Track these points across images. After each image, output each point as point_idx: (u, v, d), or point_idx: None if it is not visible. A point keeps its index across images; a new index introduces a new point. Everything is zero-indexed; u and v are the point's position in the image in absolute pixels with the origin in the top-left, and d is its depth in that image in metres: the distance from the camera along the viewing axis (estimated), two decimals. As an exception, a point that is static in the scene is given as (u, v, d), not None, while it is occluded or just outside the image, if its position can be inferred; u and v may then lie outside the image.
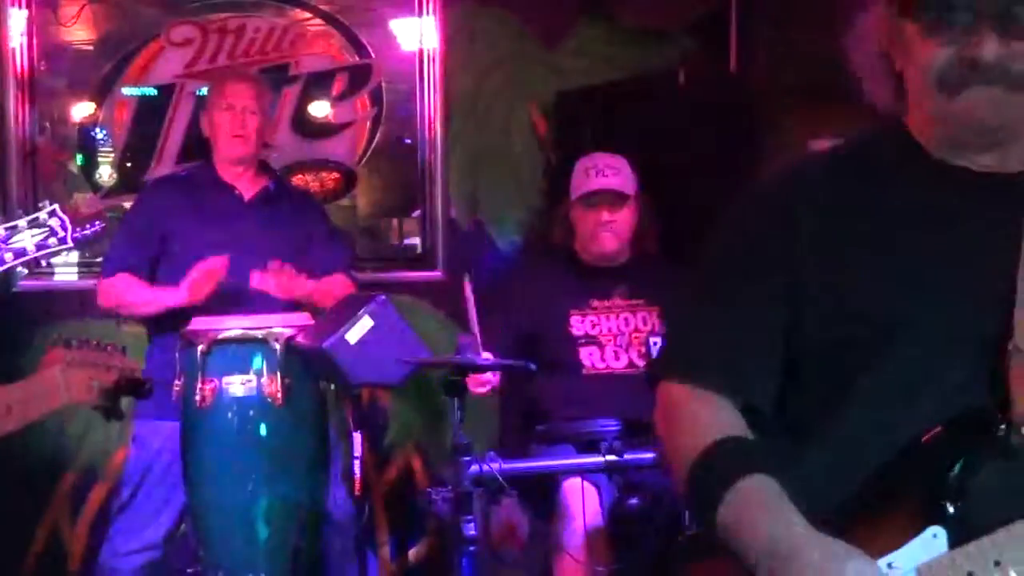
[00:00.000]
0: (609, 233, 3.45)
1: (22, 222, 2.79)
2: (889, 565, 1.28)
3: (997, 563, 1.22)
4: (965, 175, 1.42)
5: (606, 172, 3.44)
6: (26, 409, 2.51)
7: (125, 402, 2.74)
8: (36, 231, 2.79)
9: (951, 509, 1.28)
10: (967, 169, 1.43)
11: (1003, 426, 1.30)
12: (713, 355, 1.48)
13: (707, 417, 1.45)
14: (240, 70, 3.96)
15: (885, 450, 1.35)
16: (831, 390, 1.42)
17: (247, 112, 3.46)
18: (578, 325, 3.46)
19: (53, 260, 4.26)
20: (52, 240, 2.80)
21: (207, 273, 3.24)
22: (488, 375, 3.14)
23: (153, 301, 3.38)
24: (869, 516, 1.33)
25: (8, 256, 2.77)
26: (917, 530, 1.29)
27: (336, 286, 3.46)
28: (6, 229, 2.76)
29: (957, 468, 1.29)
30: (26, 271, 2.93)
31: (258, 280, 3.27)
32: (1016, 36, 1.33)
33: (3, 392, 2.50)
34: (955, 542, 1.27)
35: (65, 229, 2.82)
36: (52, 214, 2.82)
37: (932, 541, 1.28)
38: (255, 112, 3.48)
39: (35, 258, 2.82)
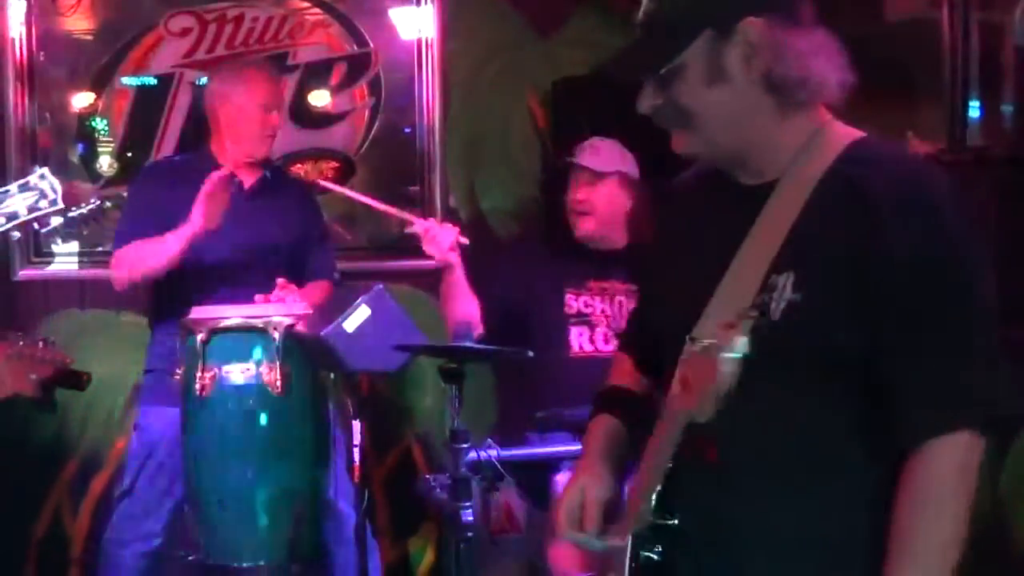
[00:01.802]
0: (583, 215, 3.46)
1: (13, 187, 2.82)
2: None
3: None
4: (737, 190, 1.61)
5: (587, 150, 3.47)
6: None
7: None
8: (27, 194, 2.82)
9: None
10: (739, 184, 1.62)
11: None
12: (631, 328, 1.96)
13: (616, 370, 1.88)
14: (258, 63, 3.94)
15: None
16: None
17: (272, 110, 3.49)
18: (572, 303, 3.47)
19: (55, 249, 4.29)
20: (43, 203, 2.83)
21: (212, 192, 3.24)
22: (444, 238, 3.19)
23: (169, 244, 3.33)
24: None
25: (0, 220, 2.80)
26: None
27: (322, 293, 3.55)
28: None
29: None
30: (18, 234, 2.95)
31: (261, 300, 3.30)
32: (663, 87, 1.57)
33: None
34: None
35: (56, 192, 2.85)
36: (43, 177, 2.84)
37: None
38: (279, 109, 3.52)
39: (27, 221, 2.84)
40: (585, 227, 3.47)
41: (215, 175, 3.27)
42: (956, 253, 1.46)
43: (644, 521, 1.58)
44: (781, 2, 1.54)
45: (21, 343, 2.63)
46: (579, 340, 3.44)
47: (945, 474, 1.43)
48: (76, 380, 2.72)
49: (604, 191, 3.47)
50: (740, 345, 1.41)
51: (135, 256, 3.40)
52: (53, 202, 2.85)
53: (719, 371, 1.43)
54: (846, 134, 1.57)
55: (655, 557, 1.57)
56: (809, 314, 1.46)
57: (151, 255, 3.37)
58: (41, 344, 2.65)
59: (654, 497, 1.57)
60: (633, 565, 1.58)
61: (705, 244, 1.61)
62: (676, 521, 1.56)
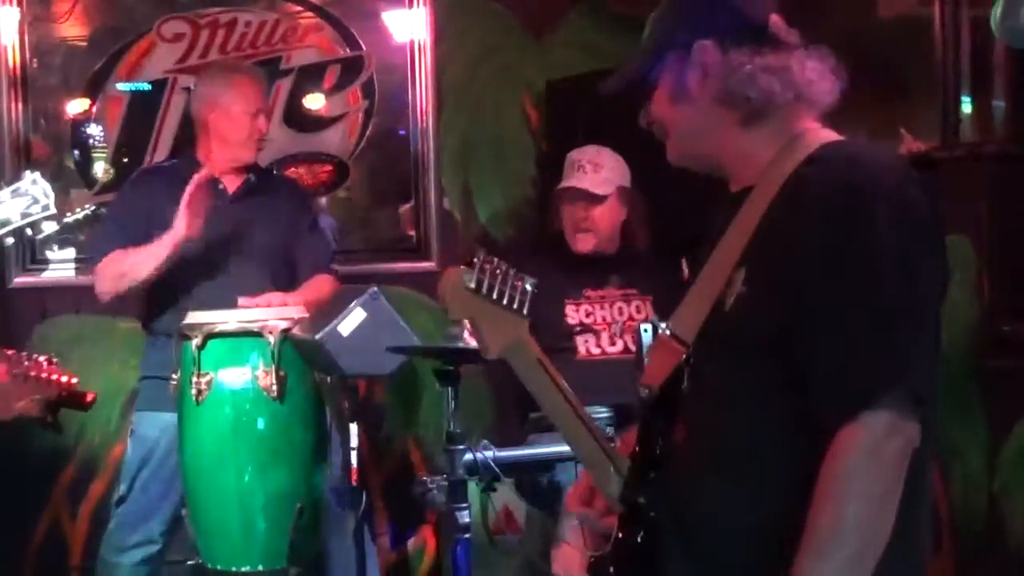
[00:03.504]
0: (584, 232, 3.47)
1: (4, 193, 2.81)
2: None
3: None
4: (727, 196, 1.69)
5: (586, 168, 3.47)
6: None
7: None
8: (19, 200, 2.81)
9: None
10: (730, 193, 1.70)
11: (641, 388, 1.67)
12: None
13: None
14: (246, 67, 3.93)
15: None
16: None
17: (259, 115, 3.48)
18: (573, 314, 3.48)
19: (49, 255, 4.29)
20: (35, 208, 2.82)
21: (195, 194, 3.22)
22: None
23: (152, 253, 3.30)
24: None
25: None
26: None
27: (322, 288, 3.49)
28: None
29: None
30: (12, 240, 2.94)
31: (245, 302, 3.28)
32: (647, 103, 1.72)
33: None
34: None
35: (48, 197, 2.83)
36: (34, 182, 2.83)
37: None
38: (266, 114, 3.52)
39: (20, 227, 2.83)
40: (585, 245, 3.49)
41: (197, 177, 3.24)
42: (866, 243, 1.48)
43: (615, 502, 1.65)
44: (734, 24, 1.64)
45: (26, 363, 2.60)
46: (586, 346, 3.46)
47: (847, 457, 1.45)
48: (81, 400, 2.70)
49: (603, 209, 3.47)
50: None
51: (118, 268, 3.37)
52: (46, 207, 2.84)
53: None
54: (821, 139, 1.62)
55: (638, 540, 1.62)
56: (751, 306, 1.55)
57: (135, 265, 3.34)
58: (46, 364, 2.64)
59: (622, 478, 1.64)
60: (617, 546, 1.64)
61: (708, 249, 1.68)
62: (644, 501, 1.61)
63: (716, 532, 1.57)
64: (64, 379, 2.64)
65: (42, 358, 2.63)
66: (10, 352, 2.64)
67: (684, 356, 1.60)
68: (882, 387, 1.46)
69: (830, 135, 1.64)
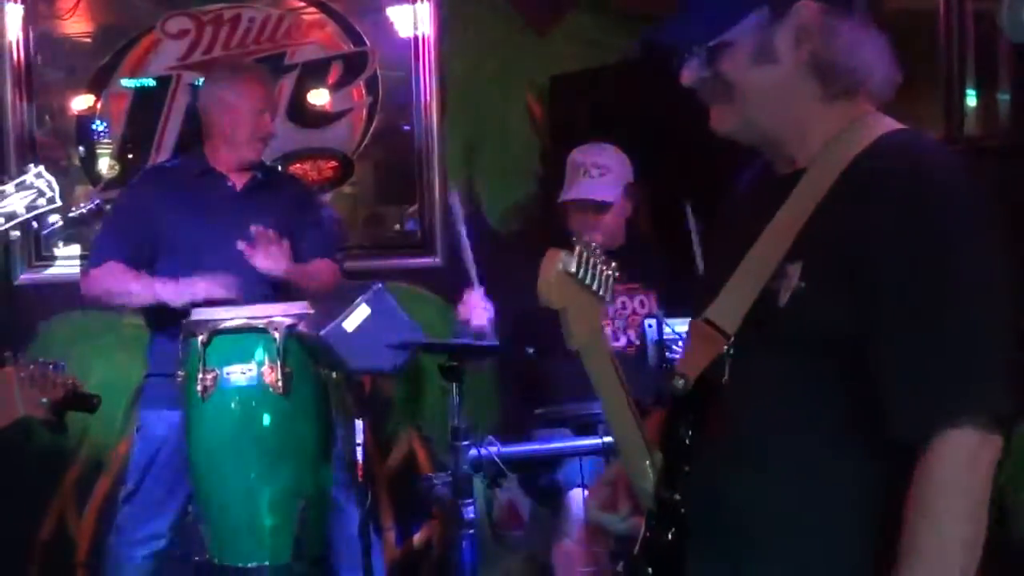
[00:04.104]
0: (594, 231, 3.46)
1: (9, 186, 2.82)
2: None
3: None
4: (771, 179, 1.63)
5: (591, 173, 3.42)
6: None
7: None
8: (24, 193, 2.82)
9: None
10: (773, 174, 1.63)
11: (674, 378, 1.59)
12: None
13: None
14: (250, 65, 3.94)
15: None
16: None
17: (265, 113, 3.49)
18: (576, 308, 3.48)
19: (55, 252, 4.30)
20: (41, 201, 2.83)
21: (211, 285, 3.26)
22: (481, 308, 3.18)
23: (139, 292, 3.35)
24: None
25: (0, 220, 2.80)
26: None
27: (321, 271, 3.49)
28: None
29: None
30: (17, 234, 2.95)
31: (247, 251, 3.28)
32: (710, 61, 1.57)
33: None
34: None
35: (53, 190, 2.84)
36: (39, 175, 2.84)
37: None
38: (272, 112, 3.52)
39: (26, 220, 2.84)
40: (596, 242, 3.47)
41: (213, 279, 3.27)
42: (948, 242, 1.43)
43: (648, 498, 1.60)
44: None
45: (32, 366, 2.63)
46: None
47: (944, 473, 1.40)
48: (86, 402, 2.73)
49: (611, 213, 3.44)
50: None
51: (110, 284, 3.40)
52: (51, 200, 2.85)
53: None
54: (881, 127, 1.56)
55: (668, 537, 1.57)
56: (812, 303, 1.47)
57: (124, 293, 3.38)
58: (52, 368, 2.65)
59: (656, 473, 1.59)
60: (643, 546, 1.59)
61: (738, 234, 1.61)
62: (678, 497, 1.56)
63: (759, 530, 1.54)
64: (69, 382, 2.66)
65: (48, 362, 2.65)
66: (16, 356, 2.66)
67: (725, 348, 1.54)
68: (976, 402, 1.41)
69: (889, 123, 1.57)
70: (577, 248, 1.50)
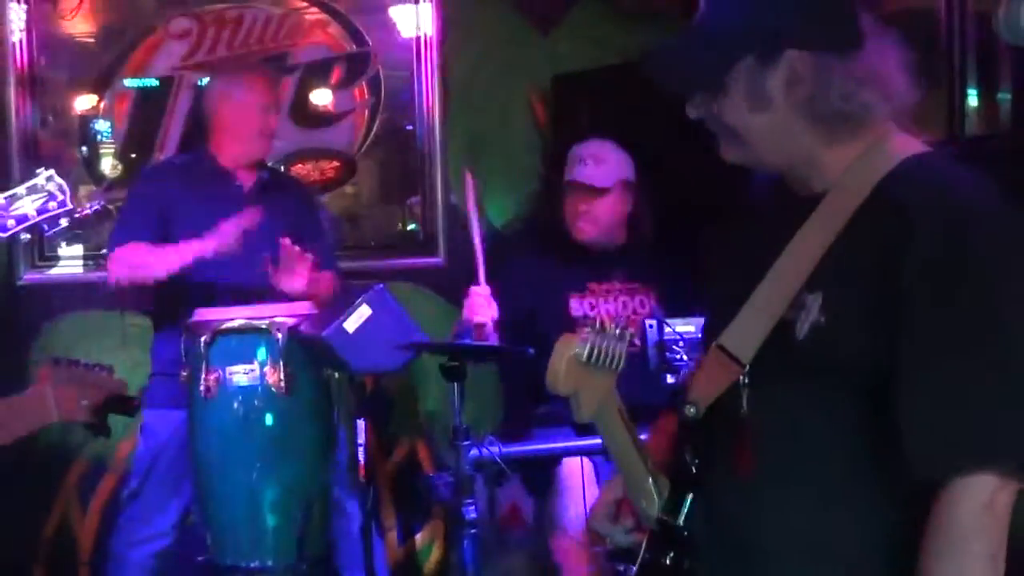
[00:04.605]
0: (584, 223, 3.46)
1: (21, 189, 2.82)
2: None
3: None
4: (789, 200, 1.58)
5: (587, 161, 3.45)
6: (18, 425, 2.54)
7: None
8: (36, 196, 2.83)
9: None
10: (795, 196, 1.58)
11: (685, 405, 1.59)
12: (703, 337, 1.79)
13: None
14: (254, 64, 3.95)
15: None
16: None
17: (270, 111, 3.50)
18: (577, 307, 3.48)
19: (59, 252, 4.31)
20: (52, 204, 2.84)
21: (245, 219, 3.25)
22: (486, 305, 3.19)
23: (172, 257, 3.29)
24: None
25: (11, 223, 2.81)
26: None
27: (324, 283, 3.50)
28: (6, 198, 2.80)
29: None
30: (27, 236, 2.96)
31: (272, 273, 3.29)
32: (707, 101, 1.55)
33: None
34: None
35: (64, 193, 2.85)
36: (50, 179, 2.85)
37: None
38: (277, 110, 3.53)
39: (37, 223, 2.85)
40: (584, 234, 3.48)
41: (252, 212, 3.27)
42: (985, 279, 1.39)
43: (650, 518, 1.60)
44: (828, 35, 1.50)
45: (73, 367, 2.60)
46: None
47: (967, 514, 1.37)
48: (126, 405, 2.70)
49: (605, 202, 3.47)
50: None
51: (136, 259, 3.35)
52: (62, 203, 2.86)
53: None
54: (901, 150, 1.51)
55: (666, 561, 1.58)
56: (832, 337, 1.45)
57: (153, 262, 3.31)
58: (95, 369, 2.63)
59: (660, 497, 1.59)
60: (642, 568, 1.60)
61: (754, 252, 1.58)
62: (681, 523, 1.57)
63: (775, 560, 1.52)
64: (111, 383, 2.63)
65: (92, 364, 2.63)
66: (58, 358, 2.64)
67: (740, 377, 1.51)
68: (1005, 450, 1.38)
69: (909, 144, 1.53)
70: (589, 336, 1.52)
